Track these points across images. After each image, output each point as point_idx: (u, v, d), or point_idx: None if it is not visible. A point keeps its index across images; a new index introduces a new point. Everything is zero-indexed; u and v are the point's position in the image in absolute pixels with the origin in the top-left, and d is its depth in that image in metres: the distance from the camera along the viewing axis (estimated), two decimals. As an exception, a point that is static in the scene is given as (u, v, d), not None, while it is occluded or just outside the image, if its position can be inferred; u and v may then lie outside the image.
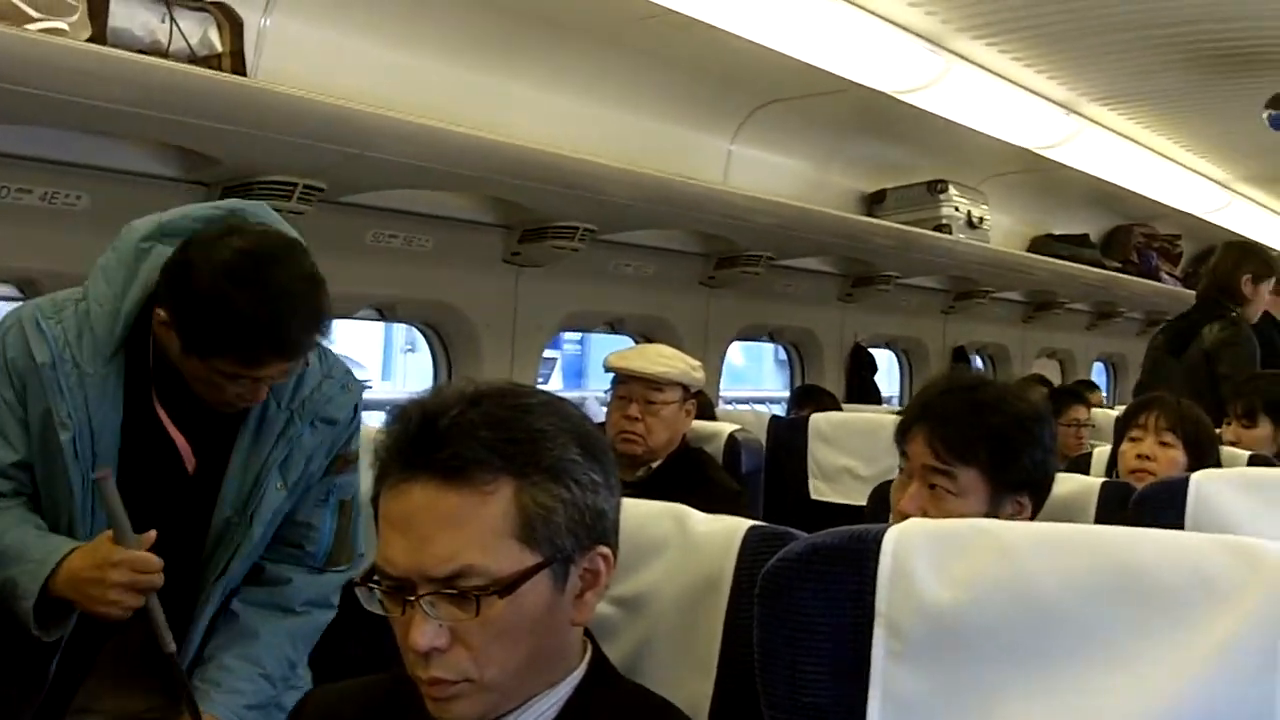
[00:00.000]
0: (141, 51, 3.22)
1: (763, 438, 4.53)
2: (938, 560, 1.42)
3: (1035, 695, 1.35)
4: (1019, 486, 2.28)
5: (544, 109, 4.64)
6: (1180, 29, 5.13)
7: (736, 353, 8.02)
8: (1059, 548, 1.39)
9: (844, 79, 4.98)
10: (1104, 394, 8.88)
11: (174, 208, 2.32)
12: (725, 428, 4.03)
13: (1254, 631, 1.28)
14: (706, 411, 4.70)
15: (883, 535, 1.46)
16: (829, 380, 6.75)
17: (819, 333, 6.93)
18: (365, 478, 2.11)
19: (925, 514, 2.16)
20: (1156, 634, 1.32)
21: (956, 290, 7.73)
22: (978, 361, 8.61)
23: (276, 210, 2.25)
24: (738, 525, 1.73)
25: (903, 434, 2.35)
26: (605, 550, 1.51)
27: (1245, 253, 5.26)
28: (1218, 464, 3.12)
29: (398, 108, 3.83)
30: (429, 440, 1.42)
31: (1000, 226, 7.38)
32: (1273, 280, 5.21)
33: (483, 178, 4.23)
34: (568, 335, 10.60)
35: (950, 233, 6.60)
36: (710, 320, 5.99)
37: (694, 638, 1.68)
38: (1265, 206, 9.14)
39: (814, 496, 4.43)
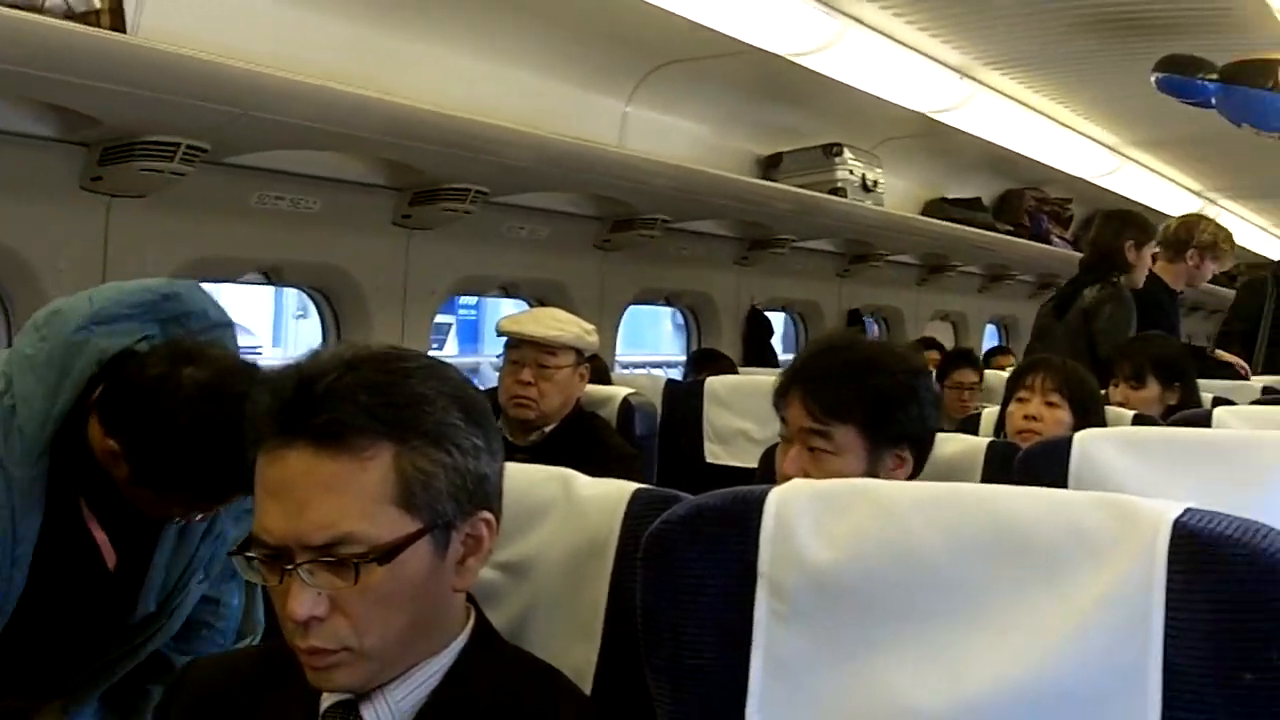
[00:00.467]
0: (15, 7, 3.11)
1: (658, 402, 4.53)
2: (820, 520, 1.43)
3: (913, 653, 1.36)
4: (897, 441, 2.30)
5: (437, 68, 4.57)
6: (1069, -7, 5.19)
7: (634, 317, 8.01)
8: (939, 507, 1.40)
9: (740, 41, 4.96)
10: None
11: (58, 185, 2.20)
12: (619, 392, 4.02)
13: (1127, 587, 1.29)
14: (602, 376, 4.69)
15: (765, 496, 1.46)
16: (726, 344, 6.76)
17: (716, 296, 6.93)
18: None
19: (806, 475, 2.16)
20: (1032, 591, 1.33)
21: (852, 253, 7.77)
22: (873, 325, 8.68)
23: (158, 171, 2.19)
24: (623, 489, 1.71)
25: (780, 398, 2.36)
26: (488, 515, 1.49)
27: (1125, 221, 5.38)
28: (1103, 423, 3.15)
29: (285, 66, 3.74)
30: (305, 405, 1.39)
31: (895, 190, 7.42)
32: (1153, 244, 5.32)
33: (371, 138, 4.17)
34: (463, 300, 10.53)
35: (845, 196, 6.62)
36: (606, 284, 5.97)
37: (579, 603, 1.67)
38: (1154, 170, 9.26)
39: (709, 460, 4.44)
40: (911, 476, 2.32)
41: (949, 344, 8.46)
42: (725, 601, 1.44)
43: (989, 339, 10.32)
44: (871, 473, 2.25)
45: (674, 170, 5.42)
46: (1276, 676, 1.26)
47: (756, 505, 1.45)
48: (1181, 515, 1.32)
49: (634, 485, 1.72)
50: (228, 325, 2.25)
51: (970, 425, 3.69)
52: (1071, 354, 4.39)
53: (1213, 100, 5.88)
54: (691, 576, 1.46)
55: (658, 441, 4.32)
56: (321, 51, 4.09)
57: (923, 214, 8.08)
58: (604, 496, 1.72)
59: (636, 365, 8.56)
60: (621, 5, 4.54)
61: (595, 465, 1.90)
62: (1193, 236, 5.52)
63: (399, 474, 1.40)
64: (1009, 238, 8.71)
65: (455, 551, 1.47)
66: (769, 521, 1.44)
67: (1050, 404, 3.27)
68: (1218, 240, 5.53)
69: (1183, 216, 5.86)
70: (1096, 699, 1.29)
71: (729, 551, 1.45)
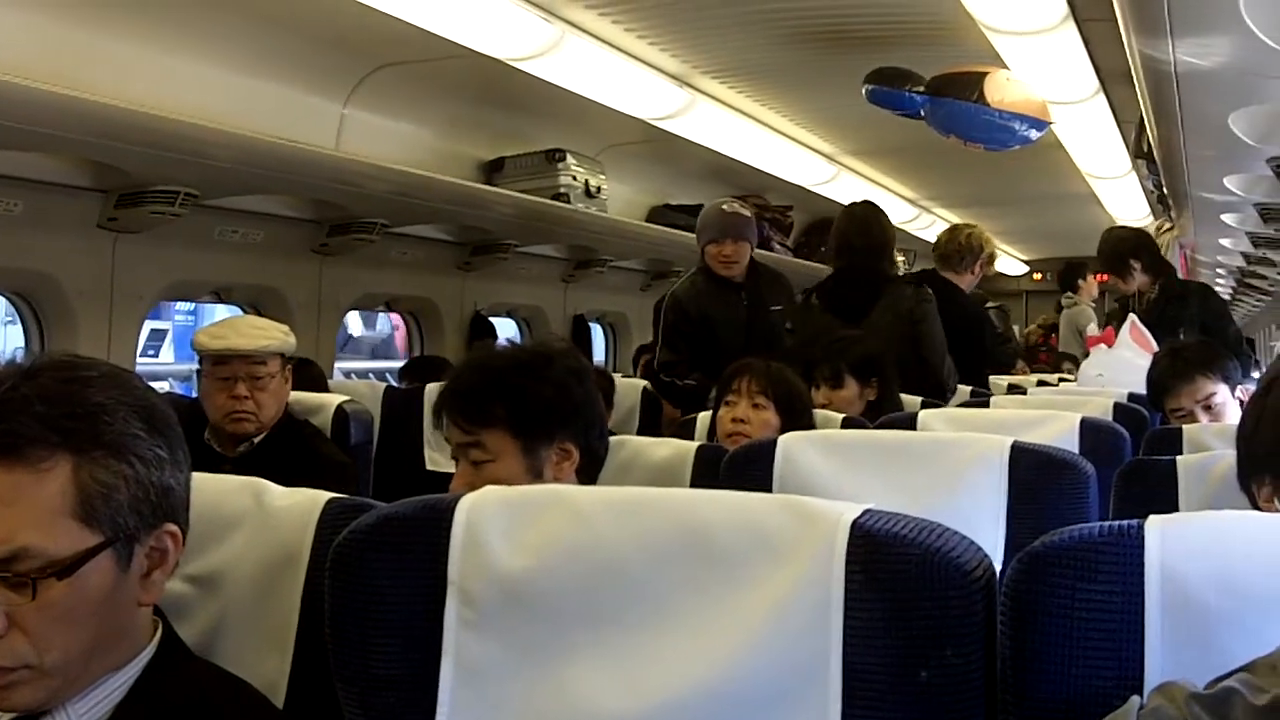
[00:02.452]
0: None
1: (378, 409, 4.47)
2: (510, 527, 1.42)
3: (602, 657, 1.36)
4: (551, 432, 2.30)
5: (145, 69, 4.41)
6: (782, 6, 5.28)
7: (357, 322, 7.90)
8: (628, 512, 1.40)
9: (459, 45, 4.92)
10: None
11: None
12: (334, 399, 3.93)
13: (807, 589, 1.32)
14: (318, 383, 4.60)
15: (455, 505, 1.44)
16: (449, 350, 6.70)
17: (438, 302, 6.86)
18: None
19: (474, 489, 2.16)
20: (717, 593, 1.34)
21: (576, 259, 7.78)
22: (598, 330, 8.73)
23: None
24: (316, 499, 1.69)
25: (438, 420, 2.36)
26: (173, 528, 1.46)
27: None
28: (811, 425, 3.22)
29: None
30: None
31: (619, 196, 7.47)
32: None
33: (73, 138, 3.98)
34: (181, 305, 10.23)
35: (569, 201, 6.64)
36: (323, 289, 5.83)
37: (271, 615, 1.64)
38: (868, 178, 9.54)
39: (430, 467, 4.40)
40: (587, 469, 2.34)
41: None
42: (415, 610, 1.43)
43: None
44: (536, 471, 2.26)
45: (392, 174, 5.34)
46: (951, 673, 1.30)
47: (446, 514, 1.44)
48: (860, 517, 1.35)
49: (327, 495, 1.69)
50: None
51: (687, 429, 3.72)
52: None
53: (921, 112, 6.08)
54: (380, 586, 1.44)
55: (375, 449, 4.25)
56: (19, 48, 3.90)
57: (647, 220, 8.15)
58: (296, 507, 1.68)
59: (362, 372, 8.40)
60: (337, 7, 4.44)
61: (306, 474, 1.87)
62: (982, 248, 5.99)
63: (78, 486, 1.36)
64: (731, 244, 8.84)
65: (139, 565, 1.42)
66: (459, 530, 1.43)
67: (757, 405, 3.30)
68: (994, 253, 6.09)
69: (964, 229, 6.16)
70: (779, 699, 1.31)
71: (418, 560, 1.43)
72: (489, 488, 1.48)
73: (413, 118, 5.98)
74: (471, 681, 1.39)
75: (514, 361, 2.36)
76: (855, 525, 1.34)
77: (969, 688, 1.30)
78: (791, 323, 5.40)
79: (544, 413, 2.29)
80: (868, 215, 5.56)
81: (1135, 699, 1.15)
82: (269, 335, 3.58)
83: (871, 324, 5.10)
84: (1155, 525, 1.32)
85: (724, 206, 5.50)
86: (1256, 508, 2.01)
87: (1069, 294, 9.57)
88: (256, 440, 3.57)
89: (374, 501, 1.62)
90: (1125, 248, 6.04)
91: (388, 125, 5.78)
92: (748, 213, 5.45)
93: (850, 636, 1.31)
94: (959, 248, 5.93)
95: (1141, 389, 3.95)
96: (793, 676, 1.31)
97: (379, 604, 1.43)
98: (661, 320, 5.42)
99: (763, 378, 3.33)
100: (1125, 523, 1.33)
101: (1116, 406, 4.01)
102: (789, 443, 2.53)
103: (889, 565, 1.32)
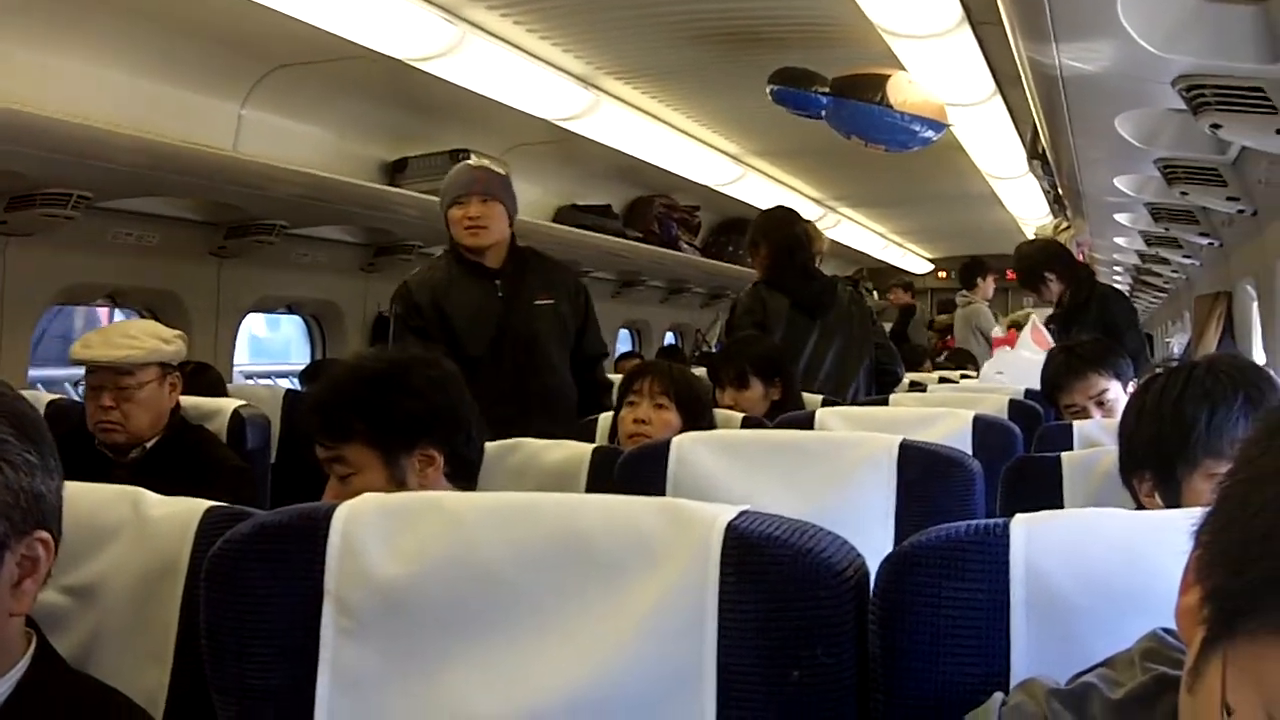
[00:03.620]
0: None
1: (278, 413, 4.44)
2: (388, 535, 1.42)
3: (479, 666, 1.36)
4: (412, 441, 2.28)
5: (37, 71, 4.35)
6: (685, 7, 5.31)
7: (261, 325, 7.82)
8: (506, 517, 1.40)
9: (357, 45, 4.89)
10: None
11: None
12: (230, 403, 3.89)
13: (682, 591, 1.33)
14: (216, 387, 4.55)
15: (333, 513, 1.43)
16: (351, 352, 6.65)
17: (341, 303, 6.82)
18: None
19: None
20: (593, 598, 1.35)
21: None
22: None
23: None
24: (195, 507, 1.67)
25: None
26: (45, 535, 1.43)
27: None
28: (712, 425, 3.23)
29: None
30: None
31: (525, 196, 7.40)
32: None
33: (-43, 141, 3.93)
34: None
35: (473, 202, 6.61)
36: (222, 292, 5.79)
37: (150, 626, 1.62)
38: (774, 178, 9.60)
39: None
40: (459, 472, 2.33)
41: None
42: (292, 620, 1.41)
43: (622, 343, 10.50)
44: (399, 480, 2.24)
45: (291, 175, 5.31)
46: (822, 672, 1.31)
47: (323, 522, 1.43)
48: (735, 518, 1.36)
49: (206, 503, 1.68)
50: None
51: (587, 431, 3.72)
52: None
53: (823, 113, 6.13)
54: (256, 595, 1.42)
55: (276, 454, 4.22)
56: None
57: (555, 220, 8.15)
58: (175, 516, 1.67)
59: (264, 375, 8.29)
60: (232, 7, 4.40)
61: (200, 479, 1.85)
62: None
63: None
64: (639, 244, 8.88)
65: (10, 573, 1.39)
66: (335, 538, 1.42)
67: (659, 406, 3.29)
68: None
69: None
70: (655, 702, 1.32)
71: (295, 569, 1.42)
72: (367, 495, 1.47)
73: (313, 118, 5.93)
74: (349, 691, 1.39)
75: (369, 374, 2.32)
76: (730, 527, 1.35)
77: (840, 687, 1.31)
78: (748, 311, 5.22)
79: (401, 423, 2.27)
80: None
81: (998, 695, 1.17)
82: (138, 345, 3.51)
83: (828, 323, 5.15)
84: (1020, 524, 1.34)
85: (470, 161, 4.82)
86: (1138, 502, 2.06)
87: (964, 292, 9.69)
88: (149, 445, 3.52)
89: (252, 510, 1.60)
90: (1037, 262, 6.18)
91: (287, 126, 5.73)
92: (502, 171, 4.55)
93: (724, 638, 1.32)
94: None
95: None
96: (668, 679, 1.32)
97: (255, 614, 1.42)
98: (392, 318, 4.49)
99: (665, 378, 3.33)
100: (991, 521, 1.35)
101: (1012, 403, 4.07)
102: (682, 444, 2.53)
103: (762, 567, 1.33)
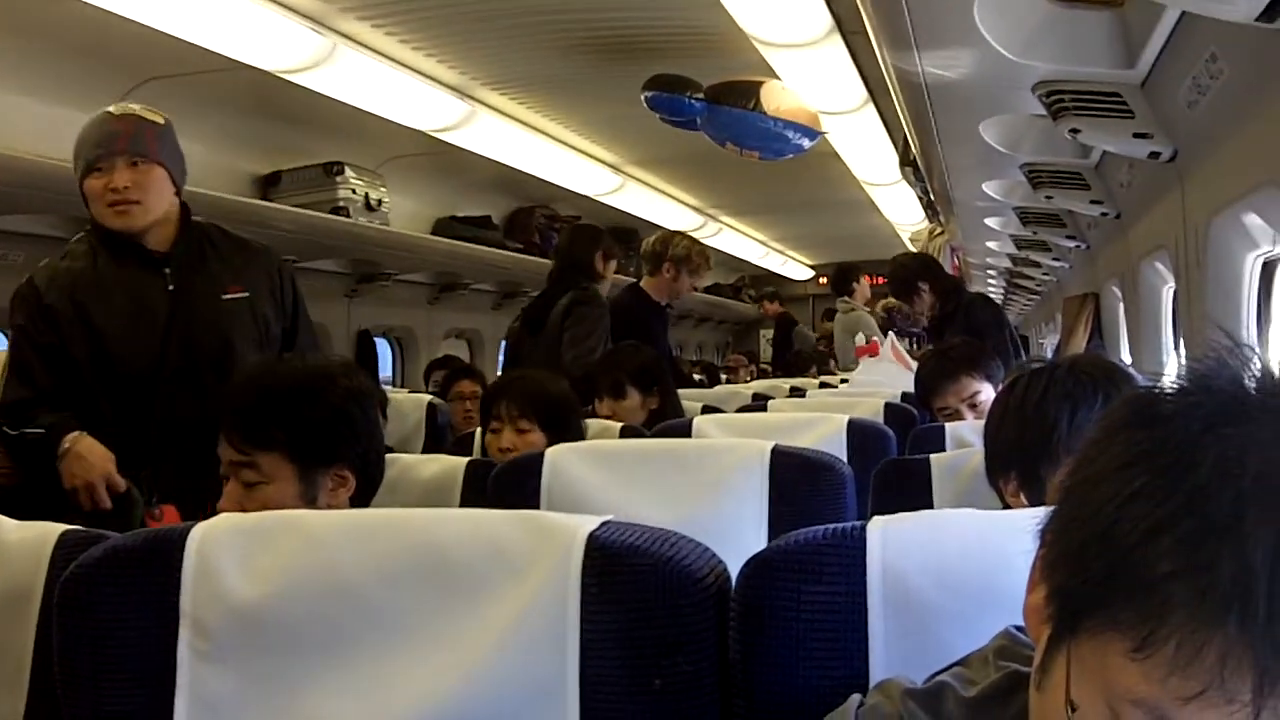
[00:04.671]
0: None
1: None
2: (244, 555, 1.40)
3: (338, 685, 1.35)
4: (330, 461, 2.24)
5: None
6: (560, 17, 5.32)
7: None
8: (365, 534, 1.39)
9: (227, 57, 4.83)
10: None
11: None
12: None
13: (544, 603, 1.33)
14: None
15: (187, 535, 1.41)
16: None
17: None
18: None
19: (242, 510, 2.10)
20: (451, 613, 1.34)
21: (360, 273, 7.66)
22: (385, 345, 8.64)
23: None
24: (50, 531, 1.64)
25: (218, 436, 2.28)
26: None
27: (597, 234, 5.51)
28: (581, 435, 3.21)
29: None
30: None
31: (403, 209, 7.41)
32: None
33: None
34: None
35: (349, 215, 6.56)
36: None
37: (4, 653, 1.59)
38: (655, 188, 9.64)
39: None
40: (362, 493, 2.29)
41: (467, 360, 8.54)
42: (147, 644, 1.39)
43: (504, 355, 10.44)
44: (310, 497, 2.21)
45: (161, 189, 5.19)
46: (683, 680, 1.32)
47: (178, 544, 1.41)
48: (597, 529, 1.36)
49: (61, 527, 1.64)
50: None
51: (466, 443, 3.69)
52: (550, 364, 4.51)
53: (698, 120, 6.16)
54: (109, 621, 1.40)
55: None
56: None
57: (434, 233, 8.08)
58: (29, 541, 1.64)
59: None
60: (100, 20, 4.32)
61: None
62: (667, 251, 5.72)
63: None
64: (520, 255, 8.85)
65: None
66: (190, 560, 1.40)
67: (521, 430, 3.22)
68: (690, 254, 5.75)
69: (661, 233, 6.05)
70: (518, 714, 1.32)
71: (149, 593, 1.40)
72: (224, 515, 1.45)
73: (183, 132, 5.77)
74: (207, 715, 1.37)
75: (295, 382, 2.27)
76: (592, 538, 1.35)
77: (702, 693, 1.32)
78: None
79: (324, 439, 2.23)
80: (574, 228, 5.62)
81: (855, 697, 1.18)
82: None
83: (544, 335, 5.12)
84: (877, 526, 1.36)
85: (112, 108, 3.44)
86: (1004, 502, 2.09)
87: (845, 299, 9.80)
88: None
89: (108, 533, 1.57)
90: (912, 272, 6.27)
91: (157, 140, 5.62)
92: (159, 120, 3.48)
93: (586, 649, 1.32)
94: (649, 251, 5.85)
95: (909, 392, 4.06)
96: (531, 691, 1.32)
97: (109, 639, 1.40)
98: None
99: (520, 398, 3.24)
100: (848, 525, 1.36)
101: (888, 407, 4.12)
102: (556, 456, 2.52)
103: (623, 577, 1.33)
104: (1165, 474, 0.82)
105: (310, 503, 2.20)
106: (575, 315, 5.04)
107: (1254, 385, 0.86)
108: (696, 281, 5.93)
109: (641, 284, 5.78)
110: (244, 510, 2.00)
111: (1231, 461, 0.80)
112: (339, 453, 2.25)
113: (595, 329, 5.03)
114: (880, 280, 10.29)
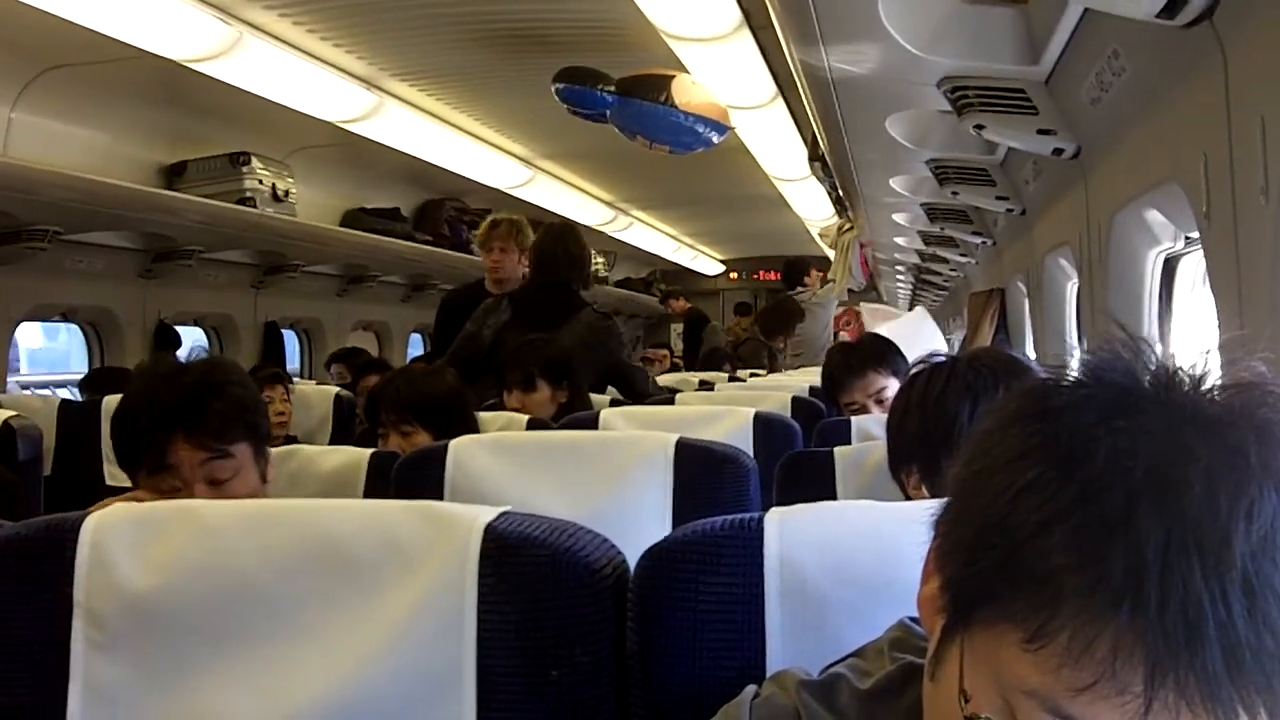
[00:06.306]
0: None
1: (53, 423, 4.29)
2: (138, 545, 1.39)
3: (233, 675, 1.34)
4: (266, 438, 2.30)
5: None
6: (469, 8, 5.29)
7: (37, 334, 7.58)
8: (260, 524, 1.38)
9: (131, 46, 4.76)
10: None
11: None
12: (-1, 415, 3.75)
13: (440, 594, 1.32)
14: (-12, 400, 4.39)
15: (81, 524, 1.39)
16: (132, 361, 6.46)
17: (118, 311, 6.62)
18: None
19: None
20: (347, 603, 1.34)
21: (267, 264, 7.62)
22: (292, 335, 8.58)
23: None
24: (-60, 520, 1.60)
25: (159, 452, 2.19)
26: None
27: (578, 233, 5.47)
28: (473, 429, 3.16)
29: None
30: None
31: (311, 200, 7.36)
32: None
33: None
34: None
35: (255, 206, 6.51)
36: (-8, 300, 5.60)
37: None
38: (565, 181, 9.63)
39: (110, 482, 4.23)
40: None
41: (374, 352, 8.52)
42: (40, 634, 1.38)
43: (414, 348, 10.41)
44: (263, 476, 2.26)
45: (64, 179, 5.14)
46: (581, 671, 1.32)
47: (71, 534, 1.39)
48: (495, 520, 1.36)
49: (-46, 518, 1.61)
50: None
51: (371, 438, 3.65)
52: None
53: (608, 113, 6.15)
54: (3, 610, 1.38)
55: (51, 466, 4.09)
56: None
57: (342, 224, 8.04)
58: (-82, 529, 1.60)
59: (42, 385, 8.02)
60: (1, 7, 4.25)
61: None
62: None
63: None
64: (429, 248, 8.83)
65: None
66: (84, 550, 1.38)
67: (405, 433, 3.19)
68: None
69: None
70: (414, 705, 1.32)
71: (42, 583, 1.38)
72: (117, 505, 1.44)
73: (87, 121, 5.76)
74: (101, 705, 1.35)
75: (224, 375, 2.27)
76: (489, 529, 1.35)
77: (599, 685, 1.32)
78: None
79: (262, 418, 2.30)
80: (564, 233, 5.50)
81: (751, 688, 1.18)
82: None
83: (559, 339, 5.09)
84: (774, 518, 1.36)
85: None
86: (907, 494, 2.10)
87: (799, 289, 9.81)
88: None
89: (3, 523, 1.55)
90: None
91: (60, 129, 5.56)
92: None
93: (484, 640, 1.32)
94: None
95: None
96: (427, 683, 1.31)
97: (3, 629, 1.38)
98: None
99: (399, 403, 3.21)
100: (745, 516, 1.37)
101: (795, 400, 4.14)
102: (460, 447, 2.51)
103: (520, 567, 1.33)
104: (1058, 466, 0.83)
105: (264, 482, 2.25)
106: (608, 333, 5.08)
107: (1148, 378, 0.87)
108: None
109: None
110: None
111: (1124, 454, 0.81)
112: (264, 429, 2.29)
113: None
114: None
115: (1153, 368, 0.87)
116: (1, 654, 1.37)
